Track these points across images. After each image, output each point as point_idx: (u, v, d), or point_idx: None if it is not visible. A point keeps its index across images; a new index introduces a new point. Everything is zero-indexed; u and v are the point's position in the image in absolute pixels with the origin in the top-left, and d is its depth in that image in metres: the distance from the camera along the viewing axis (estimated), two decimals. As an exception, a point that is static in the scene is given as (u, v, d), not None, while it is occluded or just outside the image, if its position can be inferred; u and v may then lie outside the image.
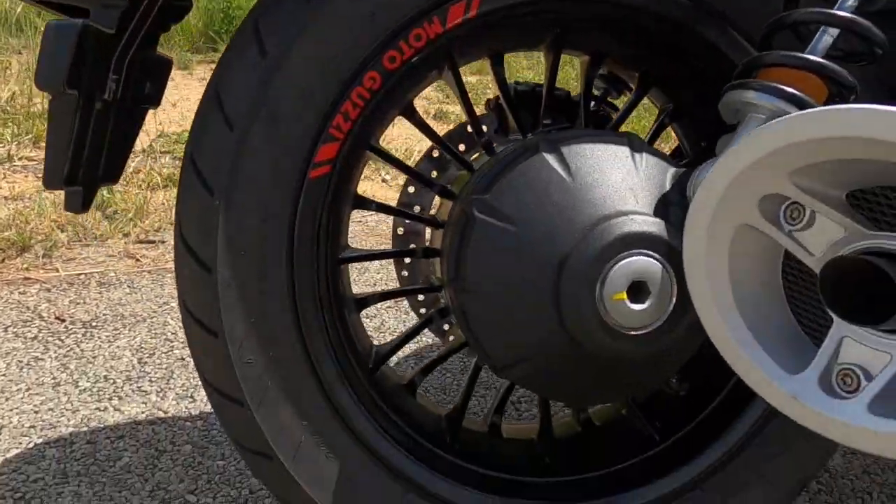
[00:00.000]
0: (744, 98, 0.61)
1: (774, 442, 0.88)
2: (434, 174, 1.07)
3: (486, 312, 0.72)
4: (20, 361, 1.45)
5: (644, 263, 0.64)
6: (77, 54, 0.75)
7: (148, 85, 0.94)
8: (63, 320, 1.62)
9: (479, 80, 4.09)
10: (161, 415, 1.32)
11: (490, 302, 0.71)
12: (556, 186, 0.68)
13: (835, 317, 0.49)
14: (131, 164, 2.50)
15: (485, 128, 1.11)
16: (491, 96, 1.12)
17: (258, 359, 0.75)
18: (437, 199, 1.05)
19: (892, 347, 0.46)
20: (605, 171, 0.68)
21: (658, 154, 0.73)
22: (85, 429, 1.27)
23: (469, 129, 1.09)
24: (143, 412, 1.32)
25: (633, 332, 0.65)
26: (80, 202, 0.88)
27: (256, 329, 0.75)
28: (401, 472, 0.82)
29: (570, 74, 3.48)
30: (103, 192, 2.20)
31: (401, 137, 3.07)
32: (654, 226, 0.64)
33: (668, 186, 0.68)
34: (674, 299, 0.65)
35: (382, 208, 0.93)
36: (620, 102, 1.11)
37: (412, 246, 1.09)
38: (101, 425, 1.28)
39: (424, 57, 0.77)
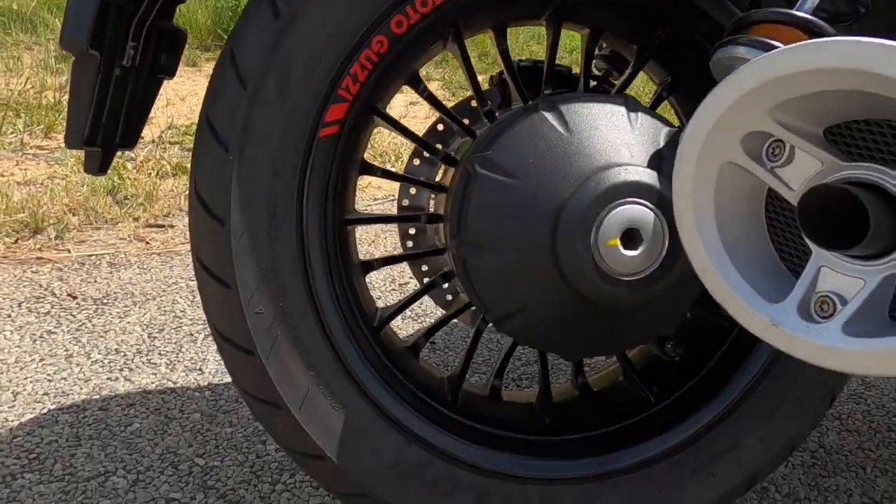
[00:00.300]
0: (733, 53, 0.64)
1: (764, 403, 0.91)
2: (438, 146, 1.10)
3: (487, 263, 0.75)
4: (33, 334, 1.49)
5: (637, 211, 0.67)
6: (99, 18, 0.79)
7: (164, 56, 0.98)
8: (75, 297, 1.66)
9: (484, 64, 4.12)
10: (170, 385, 1.35)
11: (490, 253, 0.74)
12: (555, 141, 0.71)
13: (812, 246, 0.52)
14: (141, 153, 2.55)
15: (489, 102, 1.14)
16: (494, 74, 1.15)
17: (268, 309, 0.78)
18: (441, 170, 1.09)
19: (865, 274, 0.49)
20: (601, 127, 0.71)
21: (654, 114, 0.76)
22: (97, 397, 1.30)
23: (473, 104, 1.12)
24: (152, 383, 1.36)
25: (625, 278, 0.68)
26: (98, 164, 0.91)
27: (267, 280, 0.78)
28: (405, 425, 0.84)
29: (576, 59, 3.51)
30: (114, 178, 2.24)
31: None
32: (647, 176, 0.68)
33: (662, 143, 0.71)
34: (665, 246, 0.68)
35: (388, 174, 0.96)
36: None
37: (418, 214, 1.12)
38: (113, 394, 1.31)
39: (430, 23, 0.81)
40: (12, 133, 2.62)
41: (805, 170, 0.52)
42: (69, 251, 1.88)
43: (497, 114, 0.95)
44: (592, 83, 1.10)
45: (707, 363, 0.96)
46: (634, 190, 0.68)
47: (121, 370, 1.39)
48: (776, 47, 0.62)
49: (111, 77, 0.88)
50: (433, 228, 1.05)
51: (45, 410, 1.25)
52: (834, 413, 1.40)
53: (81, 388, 1.32)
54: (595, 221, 0.68)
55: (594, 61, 1.17)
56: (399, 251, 1.14)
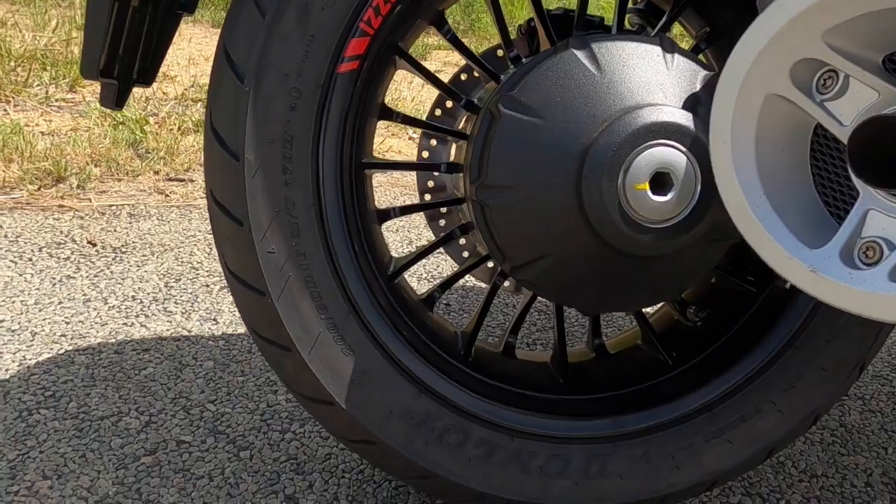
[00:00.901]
0: (781, -14, 0.59)
1: (788, 372, 0.88)
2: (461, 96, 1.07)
3: (507, 208, 0.72)
4: (53, 278, 1.50)
5: (669, 154, 0.64)
6: (115, -57, 0.77)
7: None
8: (94, 244, 1.67)
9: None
10: (185, 333, 1.36)
11: (511, 196, 0.71)
12: (585, 80, 0.67)
13: (861, 187, 0.48)
14: (164, 109, 2.54)
15: (516, 49, 1.10)
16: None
17: (281, 249, 0.77)
18: (463, 118, 1.05)
19: (919, 216, 0.46)
20: (634, 67, 0.67)
21: (690, 56, 0.72)
22: (112, 341, 1.31)
23: (500, 53, 1.08)
24: (167, 330, 1.36)
25: (652, 225, 0.65)
26: (115, 98, 0.90)
27: (280, 219, 0.76)
28: (416, 374, 0.83)
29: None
30: (136, 132, 2.24)
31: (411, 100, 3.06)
32: (681, 117, 0.64)
33: (698, 87, 0.67)
34: (697, 194, 0.64)
35: (408, 120, 0.93)
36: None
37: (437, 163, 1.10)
38: (128, 339, 1.32)
39: (457, -43, 0.77)
40: (38, 85, 2.63)
41: (859, 102, 0.48)
42: (90, 200, 1.89)
43: (524, 60, 0.92)
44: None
45: (730, 329, 0.93)
46: (666, 131, 0.64)
47: (137, 316, 1.40)
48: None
49: (129, 7, 0.86)
50: (452, 180, 1.02)
51: (61, 351, 1.26)
52: (857, 393, 1.36)
53: (98, 332, 1.33)
54: (623, 163, 0.64)
55: (628, 15, 1.12)
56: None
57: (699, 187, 0.65)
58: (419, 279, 1.62)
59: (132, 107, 2.43)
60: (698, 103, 0.66)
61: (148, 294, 1.48)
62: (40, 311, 1.38)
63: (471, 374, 0.89)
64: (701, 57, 0.98)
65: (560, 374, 0.93)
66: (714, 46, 0.96)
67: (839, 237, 0.49)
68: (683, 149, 0.64)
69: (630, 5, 1.05)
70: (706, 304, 0.96)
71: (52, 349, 1.27)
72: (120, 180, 2.05)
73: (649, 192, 0.65)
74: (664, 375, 0.93)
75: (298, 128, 0.76)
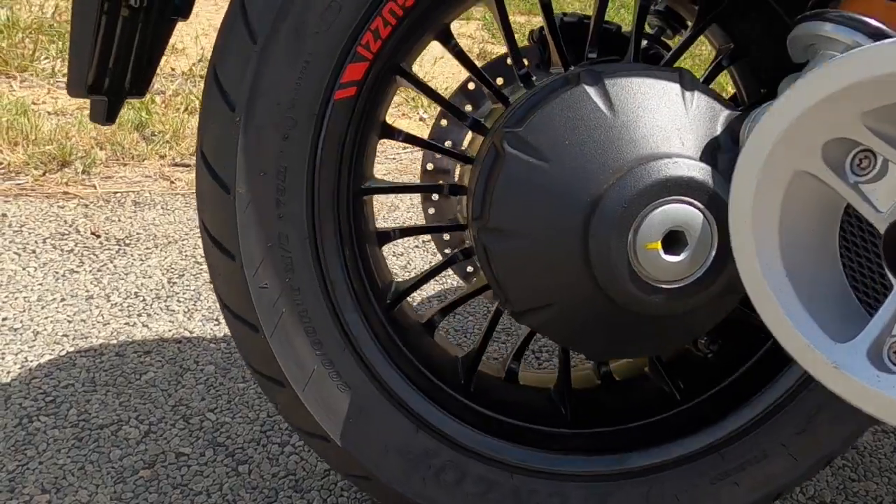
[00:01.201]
0: (818, 31, 0.53)
1: (800, 415, 0.84)
2: (468, 108, 1.01)
3: (510, 253, 0.68)
4: (56, 272, 1.49)
5: (684, 212, 0.59)
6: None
7: (178, -4, 0.90)
8: (98, 236, 1.65)
9: (528, 20, 3.90)
10: (187, 334, 1.35)
11: (515, 242, 0.67)
12: (596, 122, 0.62)
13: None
14: (171, 87, 2.49)
15: (526, 61, 1.04)
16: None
17: (274, 284, 0.74)
18: (469, 135, 1.00)
19: (958, 321, 0.41)
20: (650, 108, 0.62)
21: (712, 94, 0.66)
22: (114, 342, 1.30)
23: (509, 61, 1.03)
24: (169, 330, 1.35)
25: (664, 286, 0.61)
26: (105, 113, 0.86)
27: (273, 254, 0.73)
28: (413, 409, 0.81)
29: (627, 19, 3.29)
30: (142, 113, 2.20)
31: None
32: (698, 171, 0.59)
33: (719, 130, 0.62)
34: (712, 254, 0.60)
35: (410, 139, 0.89)
36: (675, 44, 1.02)
37: (440, 182, 1.06)
38: (130, 339, 1.31)
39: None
40: (46, 59, 2.59)
41: (898, 189, 0.43)
42: (95, 187, 1.87)
43: (534, 78, 0.86)
44: (644, 42, 0.99)
45: (743, 364, 0.89)
46: (683, 187, 0.59)
47: (139, 315, 1.39)
48: (873, 27, 0.51)
49: (118, 18, 0.82)
50: (456, 199, 0.98)
51: (63, 352, 1.26)
52: (872, 411, 1.32)
53: (100, 332, 1.32)
54: (634, 220, 0.60)
55: (647, 17, 1.05)
56: (418, 219, 1.07)
57: (715, 246, 0.60)
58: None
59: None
60: (718, 151, 0.61)
61: (150, 291, 1.47)
62: (42, 308, 1.37)
63: (471, 406, 0.86)
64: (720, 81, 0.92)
65: (563, 405, 0.91)
66: (738, 65, 0.90)
67: (868, 332, 0.45)
68: (700, 206, 0.59)
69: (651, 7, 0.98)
70: (719, 336, 0.92)
71: (53, 350, 1.26)
72: (125, 165, 2.02)
73: (661, 252, 0.60)
74: (671, 410, 0.90)
75: (292, 159, 0.72)
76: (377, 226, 0.88)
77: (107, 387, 1.18)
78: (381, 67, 0.74)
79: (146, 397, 1.17)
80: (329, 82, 0.71)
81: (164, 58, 1.08)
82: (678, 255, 0.61)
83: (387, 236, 0.89)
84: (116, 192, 1.86)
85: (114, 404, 1.15)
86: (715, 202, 0.59)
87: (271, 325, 0.75)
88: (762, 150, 0.47)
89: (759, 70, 0.88)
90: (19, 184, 1.83)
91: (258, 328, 0.75)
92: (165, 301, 1.44)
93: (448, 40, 0.84)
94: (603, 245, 0.61)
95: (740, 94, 0.93)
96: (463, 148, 1.03)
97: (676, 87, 0.64)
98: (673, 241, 0.61)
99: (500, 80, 1.04)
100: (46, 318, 1.35)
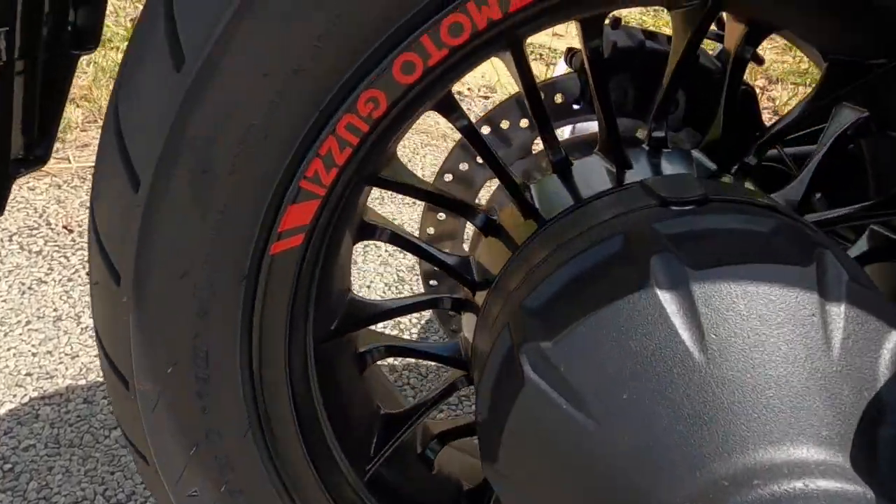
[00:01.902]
0: None
1: None
2: (478, 207, 0.75)
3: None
4: (22, 283, 1.33)
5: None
6: None
7: (77, 20, 0.64)
8: (71, 231, 1.47)
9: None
10: (164, 371, 1.20)
11: (529, 497, 0.46)
12: (671, 360, 0.38)
13: None
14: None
15: (558, 98, 0.76)
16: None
17: (206, 490, 0.55)
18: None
19: None
20: (770, 354, 0.36)
21: (873, 300, 0.38)
22: (83, 382, 1.16)
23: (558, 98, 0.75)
24: (145, 365, 1.20)
25: None
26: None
27: (199, 457, 0.54)
28: None
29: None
30: (118, 62, 1.93)
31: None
32: (841, 480, 0.35)
33: (881, 378, 0.36)
34: None
35: (396, 240, 0.65)
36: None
37: (437, 296, 0.81)
38: (98, 380, 1.17)
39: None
40: None
41: None
42: (69, 160, 1.66)
43: (574, 165, 0.60)
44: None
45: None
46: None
47: (112, 344, 1.23)
48: None
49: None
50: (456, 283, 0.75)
51: (26, 399, 1.13)
52: None
53: (67, 370, 1.18)
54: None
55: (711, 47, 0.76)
56: (409, 339, 0.85)
57: None
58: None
59: (112, 29, 2.08)
60: (881, 426, 0.34)
61: (126, 310, 1.30)
62: (5, 335, 1.23)
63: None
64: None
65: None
66: (872, 140, 0.61)
67: None
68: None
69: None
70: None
71: (15, 395, 1.13)
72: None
73: None
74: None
75: (214, 339, 0.50)
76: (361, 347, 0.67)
77: (72, 448, 1.06)
78: (337, 201, 0.50)
79: (114, 463, 1.04)
80: (261, 234, 0.48)
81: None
82: None
83: (369, 356, 0.68)
84: (91, 167, 1.65)
85: (78, 474, 1.02)
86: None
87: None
88: None
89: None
90: (-16, 159, 1.64)
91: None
92: (142, 323, 1.28)
93: (452, 110, 0.58)
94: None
95: (872, 181, 0.64)
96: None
97: (814, 296, 0.36)
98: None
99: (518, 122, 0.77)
100: (9, 349, 1.21)
